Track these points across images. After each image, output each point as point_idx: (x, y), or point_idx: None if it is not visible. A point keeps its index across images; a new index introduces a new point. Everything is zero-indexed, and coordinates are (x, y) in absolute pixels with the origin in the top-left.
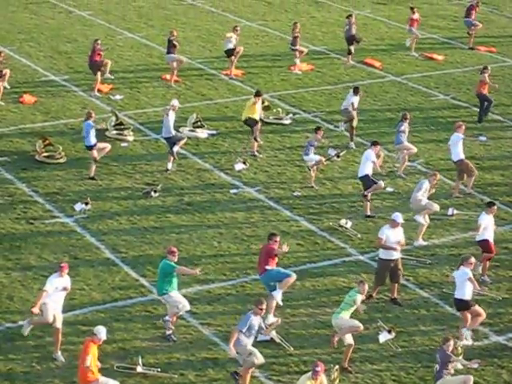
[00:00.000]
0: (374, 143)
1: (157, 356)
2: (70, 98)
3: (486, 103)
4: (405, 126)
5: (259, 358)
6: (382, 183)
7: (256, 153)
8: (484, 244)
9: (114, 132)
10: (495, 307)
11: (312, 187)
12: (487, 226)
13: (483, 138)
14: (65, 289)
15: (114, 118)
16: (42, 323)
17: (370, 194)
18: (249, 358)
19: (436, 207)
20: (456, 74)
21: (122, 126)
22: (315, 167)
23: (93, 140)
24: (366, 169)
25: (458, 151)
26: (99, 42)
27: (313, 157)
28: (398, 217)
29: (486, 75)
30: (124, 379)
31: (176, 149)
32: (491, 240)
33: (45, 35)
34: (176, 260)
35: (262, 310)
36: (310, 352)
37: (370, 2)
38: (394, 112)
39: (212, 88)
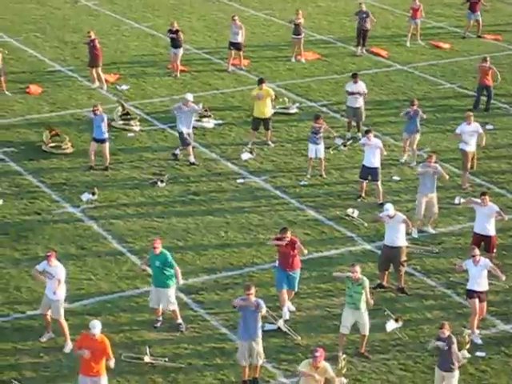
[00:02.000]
0: (368, 132)
1: (164, 346)
2: (76, 89)
3: (487, 93)
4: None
5: None
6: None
7: (270, 142)
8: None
9: (121, 122)
10: (502, 296)
11: (321, 176)
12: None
13: (490, 127)
14: (52, 277)
15: (120, 108)
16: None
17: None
18: None
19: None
20: (462, 62)
21: (129, 116)
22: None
23: (105, 133)
24: (378, 159)
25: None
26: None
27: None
28: (388, 210)
29: (487, 65)
30: (132, 369)
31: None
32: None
33: (51, 25)
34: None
35: (249, 295)
36: (317, 341)
37: None
38: (401, 101)
39: (218, 78)
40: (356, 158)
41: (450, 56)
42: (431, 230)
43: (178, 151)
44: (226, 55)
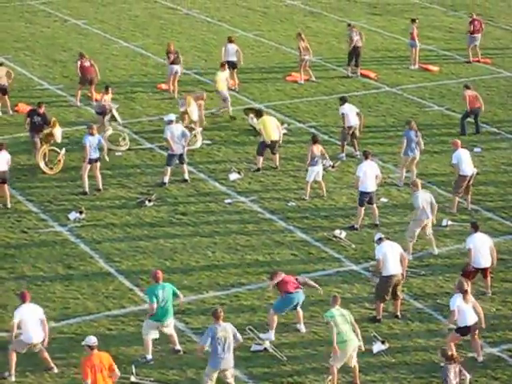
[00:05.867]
0: (367, 154)
1: (150, 365)
2: (64, 107)
3: (473, 116)
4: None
5: None
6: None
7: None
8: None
9: (108, 143)
10: (489, 319)
11: (322, 196)
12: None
13: (478, 150)
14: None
15: (110, 129)
16: None
17: None
18: None
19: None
20: (451, 85)
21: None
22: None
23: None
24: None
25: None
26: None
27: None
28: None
29: (469, 92)
30: None
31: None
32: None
33: (40, 44)
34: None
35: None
36: (303, 362)
37: (365, 13)
38: (389, 123)
39: (207, 98)
40: (344, 179)
41: (439, 79)
42: (436, 251)
43: (166, 179)
44: (215, 75)
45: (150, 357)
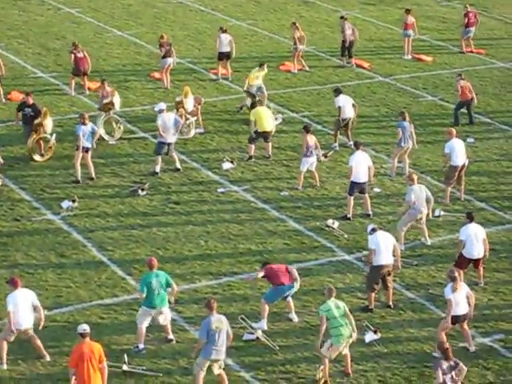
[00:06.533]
0: (358, 144)
1: (142, 355)
2: (58, 96)
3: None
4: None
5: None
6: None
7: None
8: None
9: (103, 131)
10: (481, 309)
11: (315, 186)
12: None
13: (471, 140)
14: None
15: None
16: None
17: None
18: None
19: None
20: (444, 75)
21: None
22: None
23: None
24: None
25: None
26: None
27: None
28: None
29: (462, 82)
30: (109, 377)
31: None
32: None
33: (33, 32)
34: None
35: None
36: (295, 352)
37: (359, 3)
38: (382, 113)
39: (200, 87)
40: (337, 169)
41: (432, 69)
42: (428, 241)
43: (157, 169)
44: (210, 64)
45: (142, 346)
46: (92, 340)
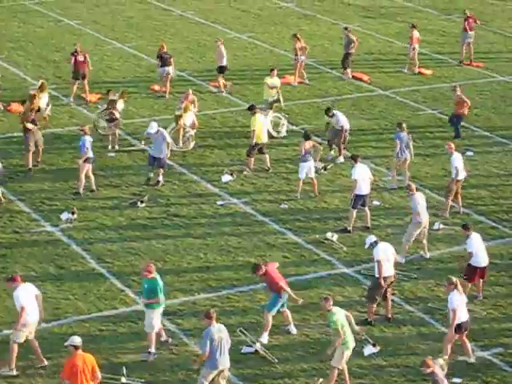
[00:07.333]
0: (355, 158)
1: (141, 367)
2: (57, 107)
3: (456, 120)
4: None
5: None
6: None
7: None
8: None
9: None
10: (480, 323)
11: (315, 196)
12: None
13: (470, 154)
14: None
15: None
16: None
17: None
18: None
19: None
20: (444, 88)
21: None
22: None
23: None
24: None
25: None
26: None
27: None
28: (367, 242)
29: (458, 93)
30: None
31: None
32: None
33: (33, 44)
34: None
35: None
36: (294, 364)
37: (359, 16)
38: (382, 126)
39: (199, 99)
40: (336, 182)
41: (432, 82)
42: (427, 255)
43: (160, 178)
44: (209, 77)
45: (153, 350)
46: (91, 352)
